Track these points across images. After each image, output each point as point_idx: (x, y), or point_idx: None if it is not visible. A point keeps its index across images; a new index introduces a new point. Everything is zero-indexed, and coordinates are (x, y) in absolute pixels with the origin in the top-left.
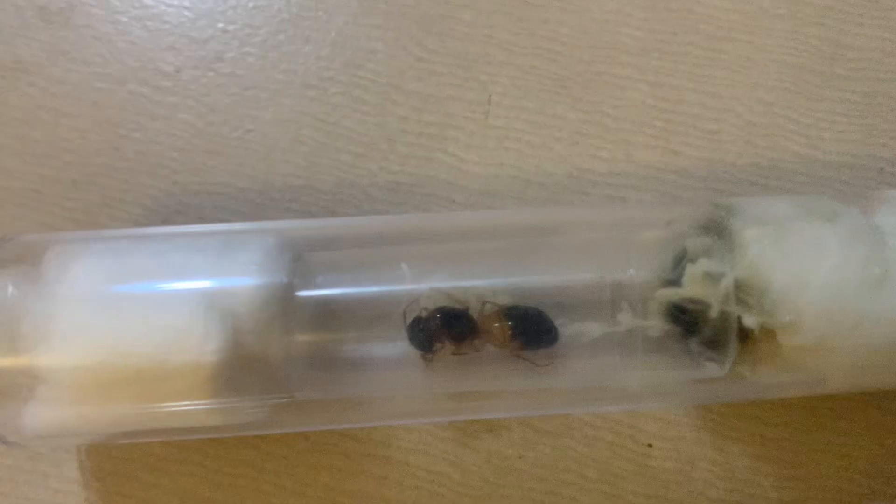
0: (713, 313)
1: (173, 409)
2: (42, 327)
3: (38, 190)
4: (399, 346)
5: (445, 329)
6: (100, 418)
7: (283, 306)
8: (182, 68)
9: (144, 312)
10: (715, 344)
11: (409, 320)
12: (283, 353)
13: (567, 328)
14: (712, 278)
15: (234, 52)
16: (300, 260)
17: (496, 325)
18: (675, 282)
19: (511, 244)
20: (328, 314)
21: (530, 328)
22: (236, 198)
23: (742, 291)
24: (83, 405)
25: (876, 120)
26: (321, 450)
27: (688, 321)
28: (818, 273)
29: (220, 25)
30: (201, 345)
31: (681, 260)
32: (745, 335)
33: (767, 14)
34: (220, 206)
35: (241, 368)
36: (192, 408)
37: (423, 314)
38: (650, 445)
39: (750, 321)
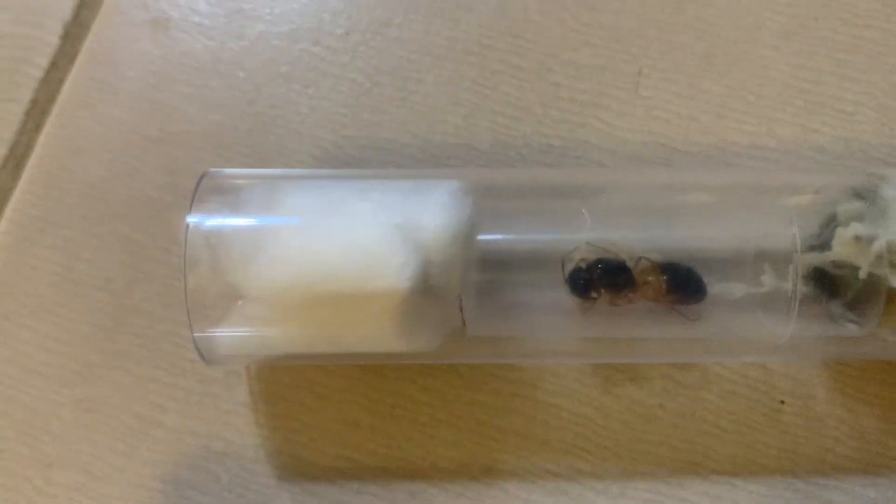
0: (862, 275)
1: (364, 332)
2: (252, 251)
3: (215, 136)
4: (560, 292)
5: (604, 280)
6: (297, 337)
7: (465, 245)
8: (352, 31)
9: (347, 240)
10: (858, 306)
11: (567, 270)
12: (461, 289)
13: (714, 286)
14: (862, 242)
15: (401, 17)
16: (480, 205)
17: (651, 278)
18: (821, 246)
19: (663, 202)
20: (500, 257)
21: (683, 283)
22: (400, 153)
23: (893, 255)
24: (287, 324)
25: None
26: (474, 387)
27: (832, 285)
28: None
29: None
30: (398, 271)
31: (828, 225)
32: (888, 298)
33: None
34: (385, 161)
35: (426, 298)
36: (382, 332)
37: (583, 265)
38: (783, 402)
39: None
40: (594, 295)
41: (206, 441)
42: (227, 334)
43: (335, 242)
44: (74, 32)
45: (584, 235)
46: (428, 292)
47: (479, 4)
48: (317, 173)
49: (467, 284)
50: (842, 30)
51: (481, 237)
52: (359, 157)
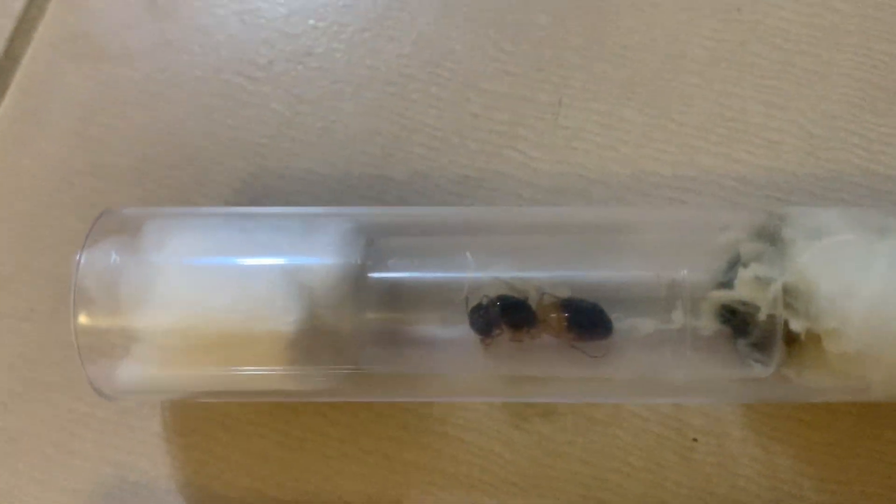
0: (762, 316)
1: (253, 373)
2: (140, 292)
3: (140, 168)
4: (460, 330)
5: (504, 316)
6: (187, 378)
7: (356, 285)
8: (275, 60)
9: (232, 284)
10: (762, 346)
11: (470, 306)
12: (354, 328)
13: (622, 322)
14: (762, 282)
15: (323, 47)
16: (373, 244)
17: (553, 315)
18: (727, 284)
19: (572, 240)
20: (396, 295)
21: (585, 320)
22: (318, 184)
23: (790, 297)
24: (173, 365)
25: None
26: (383, 421)
27: (737, 322)
28: (865, 284)
29: (311, 22)
30: (282, 315)
31: (734, 264)
32: (792, 339)
33: (838, 29)
34: (303, 191)
35: (315, 339)
36: (270, 373)
37: (484, 301)
38: (695, 440)
39: (796, 325)
40: (496, 331)
41: (122, 471)
42: (125, 372)
43: (221, 285)
44: (5, 66)
45: (484, 272)
46: (318, 334)
47: (400, 34)
48: (211, 211)
49: (361, 324)
50: (771, 55)
51: (377, 275)
52: (278, 188)
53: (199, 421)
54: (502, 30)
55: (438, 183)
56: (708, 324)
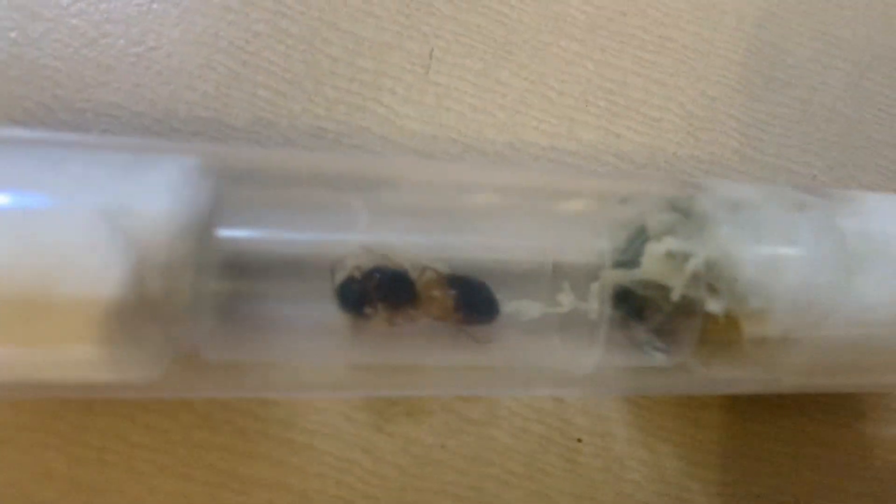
0: (674, 297)
1: (52, 355)
2: None
3: None
4: (324, 307)
5: (382, 292)
6: None
7: (199, 242)
8: None
9: (28, 227)
10: (666, 332)
11: (337, 279)
12: (192, 300)
13: (506, 305)
14: (675, 259)
15: None
16: (223, 192)
17: (437, 293)
18: (628, 263)
19: (451, 203)
20: (247, 260)
21: (474, 299)
22: (130, 123)
23: (711, 275)
24: None
25: (809, 128)
26: (211, 426)
27: (638, 307)
28: (792, 260)
29: None
30: (99, 272)
31: (635, 239)
32: (700, 324)
33: (715, 8)
34: (109, 131)
35: (140, 311)
36: (74, 356)
37: (358, 274)
38: (580, 440)
39: (715, 307)
40: (368, 311)
41: None
42: None
43: (11, 229)
44: None
45: (357, 237)
46: (145, 303)
47: None
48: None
49: (201, 294)
50: (650, 29)
51: (222, 233)
52: (75, 123)
53: None
54: None
55: (287, 134)
56: (600, 308)
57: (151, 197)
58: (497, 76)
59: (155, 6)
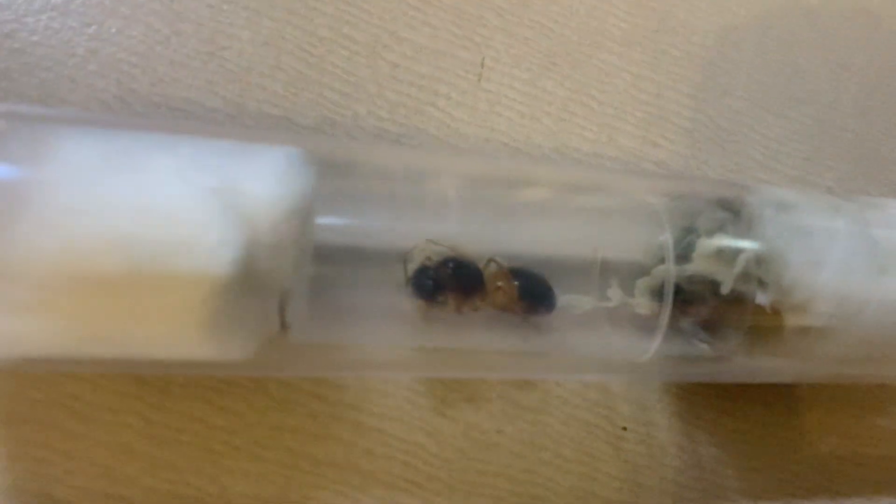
0: (724, 290)
1: (159, 330)
2: (8, 214)
3: None
4: (397, 293)
5: (454, 282)
6: (66, 332)
7: (302, 226)
8: None
9: (143, 203)
10: (713, 324)
11: (410, 269)
12: (290, 280)
13: (559, 298)
14: (725, 255)
15: None
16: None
17: (502, 284)
18: (677, 259)
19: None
20: (333, 247)
21: (535, 291)
22: (203, 118)
23: (760, 269)
24: (50, 313)
25: (823, 143)
26: (284, 409)
27: (685, 300)
28: (832, 255)
29: None
30: (215, 250)
31: (686, 236)
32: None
33: (737, 30)
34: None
35: (246, 290)
36: (183, 331)
37: (431, 264)
38: (625, 428)
39: (763, 299)
40: (440, 298)
41: None
42: None
43: (126, 206)
44: None
45: (433, 227)
46: (250, 282)
47: None
48: (106, 119)
49: (299, 277)
50: (680, 46)
51: (325, 220)
52: (151, 117)
53: (35, 405)
54: None
55: (352, 133)
56: (648, 302)
57: (260, 181)
58: (543, 85)
59: (225, 6)
